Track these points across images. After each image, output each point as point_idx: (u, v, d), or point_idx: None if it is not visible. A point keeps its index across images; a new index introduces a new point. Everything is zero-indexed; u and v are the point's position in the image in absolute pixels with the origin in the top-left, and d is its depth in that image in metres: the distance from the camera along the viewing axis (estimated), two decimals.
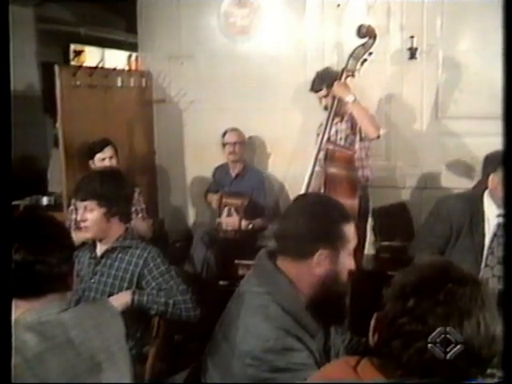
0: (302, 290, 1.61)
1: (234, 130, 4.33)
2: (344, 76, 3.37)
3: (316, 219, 1.63)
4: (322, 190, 3.20)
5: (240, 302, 1.66)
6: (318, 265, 1.60)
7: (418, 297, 1.06)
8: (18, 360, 1.32)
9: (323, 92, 3.65)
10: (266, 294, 1.60)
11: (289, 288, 1.60)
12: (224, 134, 4.33)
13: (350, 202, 3.06)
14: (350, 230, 1.64)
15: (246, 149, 4.40)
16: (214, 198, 4.29)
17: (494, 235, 2.64)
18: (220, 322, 1.73)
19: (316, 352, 1.57)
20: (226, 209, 4.11)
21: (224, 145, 4.32)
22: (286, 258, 1.64)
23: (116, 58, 6.96)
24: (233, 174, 4.38)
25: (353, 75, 3.37)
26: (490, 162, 3.17)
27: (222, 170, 4.48)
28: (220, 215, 4.15)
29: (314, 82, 3.73)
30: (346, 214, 1.67)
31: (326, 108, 3.61)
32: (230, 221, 4.09)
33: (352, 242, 1.64)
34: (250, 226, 4.10)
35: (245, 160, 4.42)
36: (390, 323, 1.09)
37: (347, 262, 1.63)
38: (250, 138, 4.59)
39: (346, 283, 1.63)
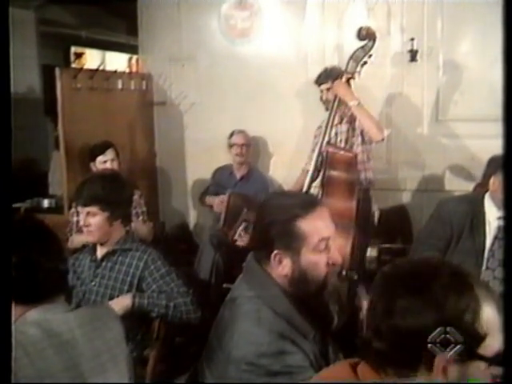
0: (287, 291, 1.60)
1: (242, 131, 4.32)
2: (344, 78, 3.37)
3: (266, 222, 1.61)
4: (320, 193, 3.19)
5: (232, 307, 1.65)
6: (279, 265, 1.58)
7: (379, 294, 1.10)
8: (19, 353, 1.33)
9: (328, 85, 3.63)
10: (256, 298, 1.59)
11: (278, 291, 1.59)
12: (231, 136, 4.31)
13: (348, 204, 3.05)
14: (307, 225, 1.57)
15: (251, 151, 4.39)
16: (214, 201, 4.22)
17: (495, 238, 2.64)
18: (214, 328, 1.71)
19: (311, 353, 1.55)
20: (243, 224, 4.04)
21: (231, 146, 4.31)
22: (266, 263, 1.63)
23: (117, 61, 6.98)
24: (238, 175, 4.36)
25: (353, 77, 3.37)
26: (492, 164, 3.16)
27: (224, 171, 4.44)
28: (220, 220, 4.10)
29: (320, 75, 3.73)
30: (301, 210, 1.59)
31: (325, 103, 3.62)
32: (246, 238, 4.01)
33: (315, 238, 1.57)
34: None
35: (250, 162, 4.41)
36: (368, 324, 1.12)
37: (313, 258, 1.57)
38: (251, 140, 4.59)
39: (321, 278, 1.58)
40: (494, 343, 1.04)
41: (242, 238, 3.99)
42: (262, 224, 1.64)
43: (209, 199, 4.34)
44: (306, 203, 1.64)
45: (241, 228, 4.01)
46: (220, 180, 4.43)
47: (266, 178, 4.45)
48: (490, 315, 1.04)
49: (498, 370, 1.06)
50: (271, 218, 1.61)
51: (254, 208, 3.99)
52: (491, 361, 1.05)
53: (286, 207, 1.62)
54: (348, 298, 1.64)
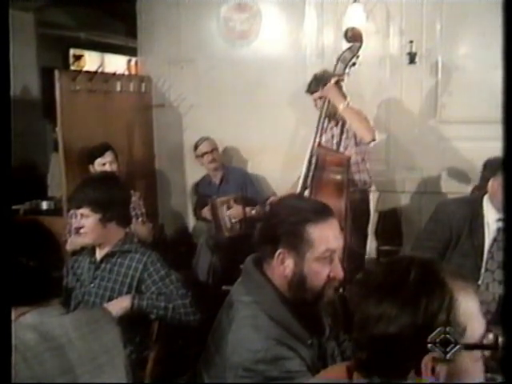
0: (285, 294, 1.61)
1: (206, 138, 4.36)
2: (333, 80, 3.34)
3: (276, 220, 1.62)
4: (308, 193, 3.19)
5: (229, 312, 1.65)
6: (281, 265, 1.59)
7: (355, 305, 1.10)
8: (17, 359, 1.33)
9: (319, 93, 3.61)
10: (253, 303, 1.59)
11: (275, 296, 1.60)
12: (196, 147, 4.35)
13: (337, 205, 3.02)
14: (316, 232, 1.58)
15: (221, 154, 4.46)
16: (207, 211, 4.23)
17: (494, 240, 2.64)
18: (212, 333, 1.71)
19: (308, 358, 1.56)
20: (224, 205, 4.09)
21: (201, 156, 4.33)
22: (267, 262, 1.64)
23: (116, 63, 6.97)
24: (217, 181, 4.40)
25: (342, 79, 3.35)
26: (489, 167, 3.16)
27: (203, 182, 4.50)
28: (217, 223, 4.11)
29: (310, 83, 3.71)
30: (313, 216, 1.60)
31: (319, 110, 3.61)
32: (234, 212, 4.07)
33: (321, 246, 1.57)
34: (254, 212, 4.10)
35: (223, 164, 4.44)
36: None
37: (315, 266, 1.58)
38: (249, 142, 4.59)
39: (319, 289, 1.59)
40: (474, 329, 1.04)
41: (231, 215, 4.01)
42: (270, 221, 1.65)
43: (204, 212, 4.31)
44: (319, 210, 1.64)
45: (224, 210, 4.03)
46: (203, 191, 4.46)
47: (243, 170, 4.54)
48: (467, 305, 1.04)
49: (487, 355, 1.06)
50: (281, 217, 1.62)
51: (239, 198, 4.04)
52: (477, 347, 1.04)
53: (298, 209, 1.63)
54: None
